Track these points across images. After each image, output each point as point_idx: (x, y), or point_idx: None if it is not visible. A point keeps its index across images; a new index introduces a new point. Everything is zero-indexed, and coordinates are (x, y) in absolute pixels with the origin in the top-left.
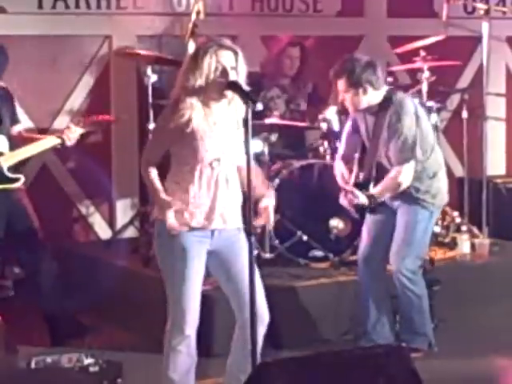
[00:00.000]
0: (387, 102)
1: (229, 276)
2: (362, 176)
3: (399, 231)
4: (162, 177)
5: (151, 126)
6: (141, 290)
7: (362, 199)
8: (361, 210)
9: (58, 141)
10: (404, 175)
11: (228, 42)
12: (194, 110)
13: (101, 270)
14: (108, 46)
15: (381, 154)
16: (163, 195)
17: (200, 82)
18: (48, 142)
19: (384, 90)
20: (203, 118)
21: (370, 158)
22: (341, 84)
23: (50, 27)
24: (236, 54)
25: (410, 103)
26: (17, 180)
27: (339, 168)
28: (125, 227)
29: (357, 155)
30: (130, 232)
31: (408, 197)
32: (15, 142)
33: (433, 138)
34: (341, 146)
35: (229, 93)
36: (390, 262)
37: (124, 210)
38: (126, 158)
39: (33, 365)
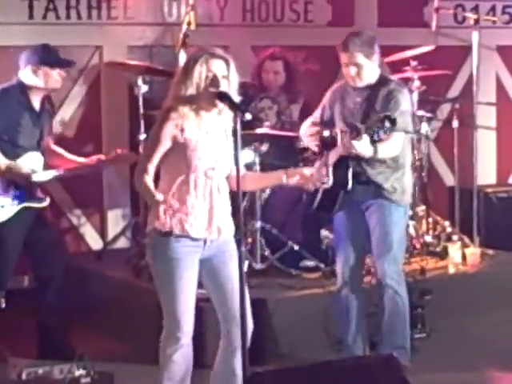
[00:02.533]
0: (384, 79)
1: (216, 285)
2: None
3: (378, 236)
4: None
5: (142, 136)
6: (132, 300)
7: (367, 147)
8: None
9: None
10: (394, 142)
11: (220, 51)
12: (186, 120)
13: (92, 281)
14: (99, 57)
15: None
16: (158, 196)
17: (191, 90)
18: (86, 166)
19: (378, 72)
20: (196, 127)
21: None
22: (359, 56)
23: (40, 37)
24: (227, 63)
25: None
26: (43, 200)
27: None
28: (116, 238)
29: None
30: (122, 242)
31: (379, 194)
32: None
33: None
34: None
35: (218, 103)
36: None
37: (115, 221)
38: (117, 168)
39: (24, 376)
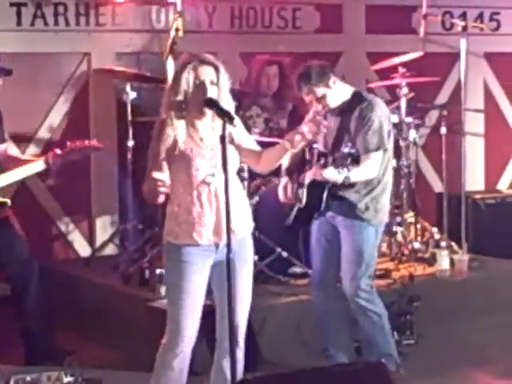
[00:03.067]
0: (357, 99)
1: (223, 292)
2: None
3: (347, 252)
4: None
5: (130, 143)
6: (121, 307)
7: (335, 176)
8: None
9: (44, 166)
10: (372, 162)
11: (210, 57)
12: (177, 131)
13: (80, 288)
14: (87, 63)
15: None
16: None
17: (180, 98)
18: (35, 166)
19: (351, 88)
20: (189, 136)
21: (334, 150)
22: (316, 91)
23: (28, 44)
24: (217, 69)
25: (381, 101)
26: (4, 204)
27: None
28: (104, 244)
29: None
30: (110, 249)
31: (352, 212)
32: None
33: (391, 151)
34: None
35: (207, 110)
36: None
37: (104, 228)
38: (105, 175)
39: (12, 383)
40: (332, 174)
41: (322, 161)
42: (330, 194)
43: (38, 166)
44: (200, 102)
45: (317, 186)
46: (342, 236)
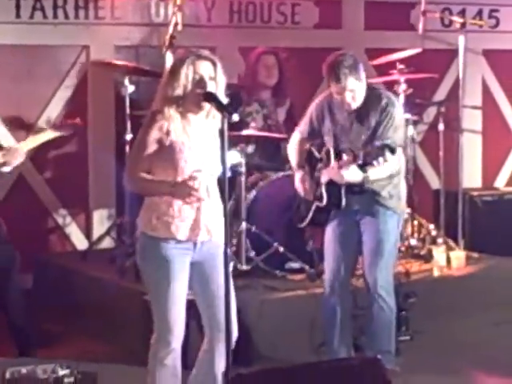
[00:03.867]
0: (374, 94)
1: (205, 290)
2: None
3: (371, 244)
4: None
5: (128, 136)
6: (117, 300)
7: (356, 177)
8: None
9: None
10: (393, 159)
11: (206, 52)
12: (172, 122)
13: (77, 281)
14: (85, 56)
15: (365, 140)
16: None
17: (178, 92)
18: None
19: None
20: (182, 129)
21: (357, 143)
22: (351, 82)
23: (27, 37)
24: (215, 64)
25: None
26: None
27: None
28: (101, 238)
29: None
30: (107, 243)
31: (374, 202)
32: None
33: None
34: (304, 126)
35: (206, 104)
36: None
37: (101, 221)
38: (102, 168)
39: (7, 375)
40: (351, 175)
41: (338, 161)
42: (350, 190)
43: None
44: (198, 97)
45: (333, 184)
46: (365, 229)
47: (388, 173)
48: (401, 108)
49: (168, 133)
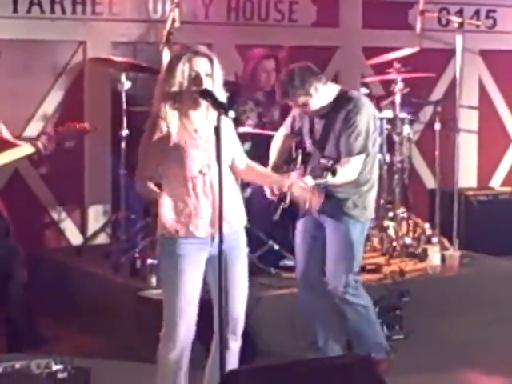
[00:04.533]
0: (342, 99)
1: (216, 281)
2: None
3: (334, 250)
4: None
5: (124, 132)
6: (111, 296)
7: (310, 182)
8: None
9: (33, 150)
10: (352, 166)
11: (203, 48)
12: (171, 123)
13: (71, 276)
14: (82, 52)
15: (330, 148)
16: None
17: (175, 89)
18: (23, 150)
19: (336, 88)
20: (182, 128)
21: (319, 151)
22: (301, 99)
23: (24, 31)
24: (211, 60)
25: (367, 101)
26: None
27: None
28: (96, 234)
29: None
30: (102, 238)
31: (339, 209)
32: None
33: (377, 148)
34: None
35: (202, 101)
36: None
37: (96, 217)
38: (98, 164)
39: (0, 370)
40: (310, 182)
41: (303, 168)
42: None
43: (26, 149)
44: (195, 93)
45: None
46: (328, 233)
47: (346, 180)
48: (367, 114)
49: (169, 134)
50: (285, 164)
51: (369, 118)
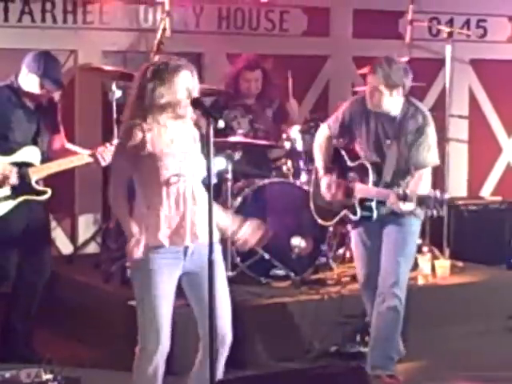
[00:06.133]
0: (410, 109)
1: (198, 298)
2: (383, 180)
3: (395, 247)
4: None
5: (115, 141)
6: (101, 305)
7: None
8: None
9: (91, 159)
10: (427, 178)
11: (183, 60)
12: (148, 132)
13: (62, 285)
14: (73, 61)
15: (398, 159)
16: (133, 229)
17: (164, 100)
18: (80, 159)
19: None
20: (158, 137)
21: (392, 161)
22: (375, 80)
23: (15, 41)
24: (192, 72)
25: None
26: (44, 193)
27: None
28: (87, 243)
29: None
30: (92, 248)
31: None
32: (48, 155)
33: None
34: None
35: (189, 110)
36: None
37: (86, 226)
38: (89, 173)
39: None
40: (409, 207)
41: (401, 195)
42: (378, 202)
43: (84, 158)
44: (185, 103)
45: (366, 201)
46: (388, 231)
47: (427, 187)
48: (433, 126)
49: (145, 143)
50: (331, 163)
51: (434, 129)
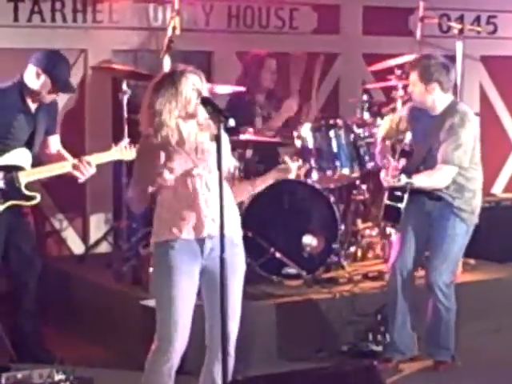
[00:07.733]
0: (452, 109)
1: (212, 299)
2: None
3: (439, 244)
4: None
5: (125, 140)
6: (113, 305)
7: (403, 180)
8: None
9: (70, 170)
10: (444, 174)
11: (190, 67)
12: (172, 128)
13: (73, 285)
14: (83, 60)
15: (430, 152)
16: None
17: (179, 104)
18: (64, 167)
19: (449, 97)
20: (175, 136)
21: (421, 153)
22: (413, 76)
23: (25, 40)
24: (200, 77)
25: (474, 117)
26: (33, 198)
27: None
28: (98, 242)
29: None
30: (104, 247)
31: (448, 209)
32: (41, 158)
33: (479, 156)
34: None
35: (201, 109)
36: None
37: (98, 225)
38: (100, 172)
39: (3, 381)
40: (404, 180)
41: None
42: (428, 196)
43: (65, 167)
44: (196, 104)
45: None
46: (435, 227)
47: (434, 187)
48: (471, 128)
49: (167, 141)
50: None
51: (472, 133)
